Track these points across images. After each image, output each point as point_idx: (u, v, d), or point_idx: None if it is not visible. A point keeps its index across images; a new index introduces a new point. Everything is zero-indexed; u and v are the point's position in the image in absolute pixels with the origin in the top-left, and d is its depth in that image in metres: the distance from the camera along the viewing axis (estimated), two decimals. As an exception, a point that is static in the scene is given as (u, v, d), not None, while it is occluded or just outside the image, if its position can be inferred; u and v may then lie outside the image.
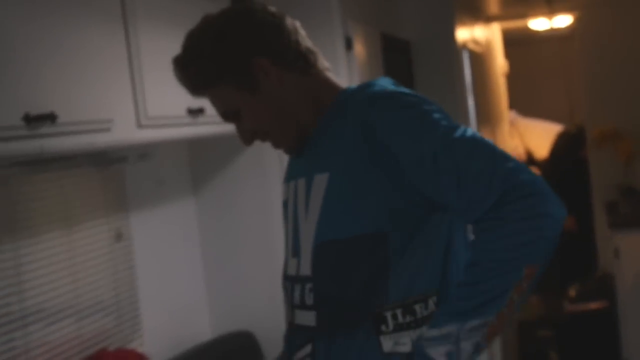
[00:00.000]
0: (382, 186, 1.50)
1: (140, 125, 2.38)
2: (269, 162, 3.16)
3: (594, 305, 5.10)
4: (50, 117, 1.99)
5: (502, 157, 1.45)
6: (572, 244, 5.46)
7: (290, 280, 1.63)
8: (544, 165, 6.33)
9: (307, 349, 1.57)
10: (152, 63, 2.38)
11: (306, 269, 1.57)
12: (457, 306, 1.43)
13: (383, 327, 1.50)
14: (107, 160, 2.60)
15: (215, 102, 1.66)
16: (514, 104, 6.96)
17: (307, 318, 1.57)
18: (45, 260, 2.45)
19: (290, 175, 1.69)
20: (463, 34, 4.67)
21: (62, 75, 2.08)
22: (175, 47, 1.70)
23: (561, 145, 6.02)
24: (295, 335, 1.62)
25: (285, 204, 1.69)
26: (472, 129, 1.51)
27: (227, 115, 1.65)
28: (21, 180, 2.39)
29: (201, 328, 3.31)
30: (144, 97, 2.37)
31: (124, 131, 2.33)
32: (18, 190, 2.38)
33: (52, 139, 2.04)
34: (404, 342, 1.50)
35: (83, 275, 2.62)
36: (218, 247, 3.35)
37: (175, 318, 3.15)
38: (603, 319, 4.93)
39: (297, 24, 1.66)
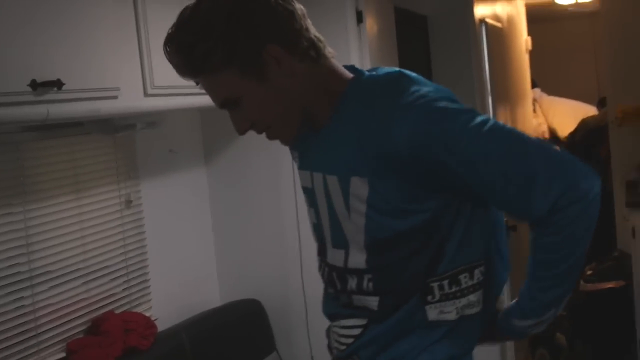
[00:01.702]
0: (426, 190, 1.49)
1: (147, 94, 2.43)
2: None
3: (609, 285, 5.07)
4: (57, 84, 2.05)
5: (537, 155, 1.44)
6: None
7: (338, 271, 1.62)
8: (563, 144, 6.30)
9: (361, 321, 1.60)
10: (159, 32, 2.35)
11: (360, 263, 1.57)
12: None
13: (429, 297, 1.54)
14: (114, 128, 2.65)
15: (213, 89, 1.53)
16: (539, 82, 6.90)
17: (368, 302, 1.58)
18: (54, 224, 2.53)
19: (309, 164, 1.63)
20: (482, 9, 4.64)
21: (69, 43, 2.14)
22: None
23: (578, 135, 6.02)
24: (352, 309, 1.63)
25: (308, 191, 1.64)
26: (500, 122, 1.49)
27: (225, 103, 1.52)
28: (31, 146, 2.46)
29: (210, 295, 3.38)
30: (151, 66, 2.41)
31: (131, 99, 2.38)
32: (28, 155, 2.44)
33: (58, 104, 2.09)
34: (449, 311, 1.55)
35: (92, 240, 2.69)
36: (228, 217, 3.40)
37: (185, 285, 3.22)
38: (618, 298, 4.90)
39: (304, 10, 1.54)
